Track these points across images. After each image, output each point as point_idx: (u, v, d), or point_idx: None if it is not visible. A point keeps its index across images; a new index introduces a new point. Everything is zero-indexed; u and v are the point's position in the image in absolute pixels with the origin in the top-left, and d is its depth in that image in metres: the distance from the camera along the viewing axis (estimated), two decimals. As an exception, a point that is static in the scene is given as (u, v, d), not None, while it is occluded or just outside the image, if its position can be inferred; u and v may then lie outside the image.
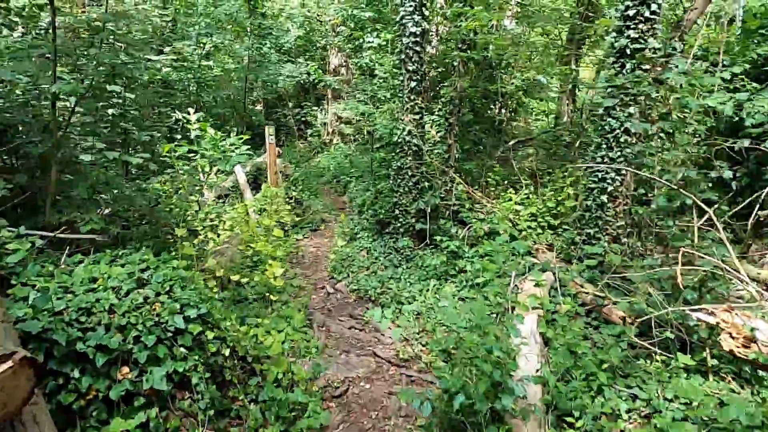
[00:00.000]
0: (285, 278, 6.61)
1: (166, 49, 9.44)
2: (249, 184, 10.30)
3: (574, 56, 10.29)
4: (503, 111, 10.60)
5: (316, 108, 17.13)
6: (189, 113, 7.10)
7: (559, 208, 6.42)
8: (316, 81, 11.77)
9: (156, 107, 11.02)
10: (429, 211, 6.61)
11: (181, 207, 6.98)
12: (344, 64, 16.66)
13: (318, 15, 15.95)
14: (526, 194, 6.72)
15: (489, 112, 10.67)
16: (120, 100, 8.37)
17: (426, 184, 6.97)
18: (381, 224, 7.89)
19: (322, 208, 11.00)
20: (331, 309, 6.01)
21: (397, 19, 6.55)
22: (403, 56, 6.60)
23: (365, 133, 15.51)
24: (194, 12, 11.43)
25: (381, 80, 8.97)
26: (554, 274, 5.27)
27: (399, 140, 6.82)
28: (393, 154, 7.23)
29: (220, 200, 9.91)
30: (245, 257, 7.14)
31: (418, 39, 6.47)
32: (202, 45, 11.71)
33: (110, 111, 8.33)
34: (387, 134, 7.69)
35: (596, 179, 5.59)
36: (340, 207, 11.62)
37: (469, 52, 7.43)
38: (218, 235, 8.45)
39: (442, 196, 6.85)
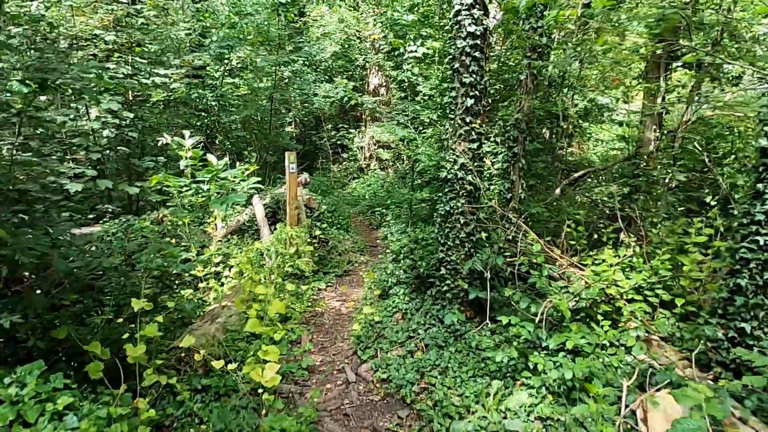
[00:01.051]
0: (290, 360, 4.98)
1: (175, 61, 8.20)
2: (267, 218, 8.85)
3: (663, 70, 8.33)
4: (555, 136, 8.71)
5: (352, 131, 15.87)
6: (184, 136, 5.73)
7: (681, 281, 4.44)
8: (347, 99, 10.30)
9: (173, 129, 9.86)
10: (488, 274, 4.80)
11: (168, 255, 5.51)
12: (384, 84, 15.46)
13: (357, 31, 14.73)
14: (628, 255, 4.76)
15: (544, 138, 8.83)
16: (116, 120, 7.13)
17: (483, 235, 5.18)
18: (421, 279, 6.16)
19: (352, 245, 9.40)
20: (349, 414, 4.28)
21: (451, 16, 4.89)
22: (457, 65, 4.89)
23: (404, 159, 13.95)
24: (218, 24, 10.28)
25: (425, 98, 7.27)
26: (693, 396, 3.34)
27: (448, 176, 5.09)
28: (440, 193, 5.48)
29: (231, 238, 8.48)
30: (244, 322, 5.57)
31: (477, 42, 4.78)
32: (227, 60, 10.53)
33: (105, 132, 7.13)
34: (431, 167, 5.95)
35: (756, 246, 3.66)
36: (373, 245, 9.99)
37: (541, 61, 5.70)
38: (222, 285, 6.97)
39: (506, 253, 5.02)
